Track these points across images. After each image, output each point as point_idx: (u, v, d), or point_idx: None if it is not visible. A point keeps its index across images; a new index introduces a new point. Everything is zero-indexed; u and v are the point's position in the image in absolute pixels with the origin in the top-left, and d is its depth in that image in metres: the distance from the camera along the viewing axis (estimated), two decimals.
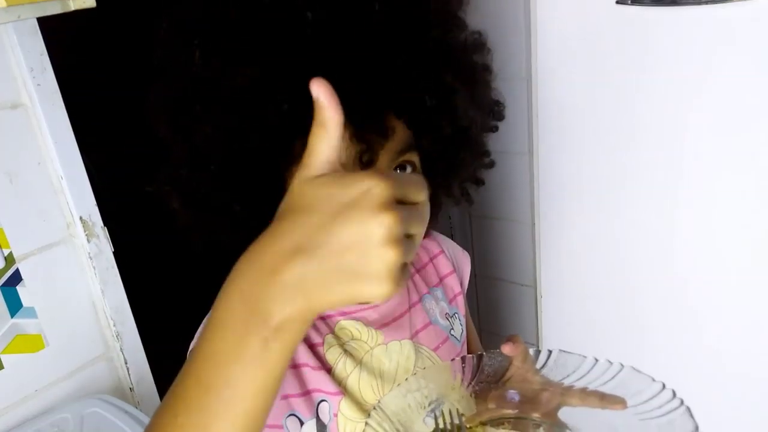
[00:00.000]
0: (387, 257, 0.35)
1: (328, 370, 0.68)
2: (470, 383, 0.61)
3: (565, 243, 1.27)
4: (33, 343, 0.90)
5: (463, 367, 0.60)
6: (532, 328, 1.41)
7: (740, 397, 1.11)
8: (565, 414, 0.60)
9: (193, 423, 0.40)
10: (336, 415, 0.66)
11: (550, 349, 0.61)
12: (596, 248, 1.21)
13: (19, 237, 0.87)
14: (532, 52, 1.16)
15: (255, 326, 0.38)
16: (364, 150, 0.56)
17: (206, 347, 0.42)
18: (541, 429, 0.59)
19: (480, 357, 0.61)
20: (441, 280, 0.79)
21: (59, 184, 0.91)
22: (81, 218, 0.92)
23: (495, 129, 0.70)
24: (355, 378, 0.68)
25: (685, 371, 1.14)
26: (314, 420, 0.67)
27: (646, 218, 1.12)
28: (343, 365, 0.68)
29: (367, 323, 0.70)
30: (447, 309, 0.78)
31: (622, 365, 0.58)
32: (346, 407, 0.67)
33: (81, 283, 0.95)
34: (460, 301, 0.80)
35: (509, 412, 0.60)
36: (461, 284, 0.81)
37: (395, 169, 0.61)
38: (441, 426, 0.56)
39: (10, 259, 0.86)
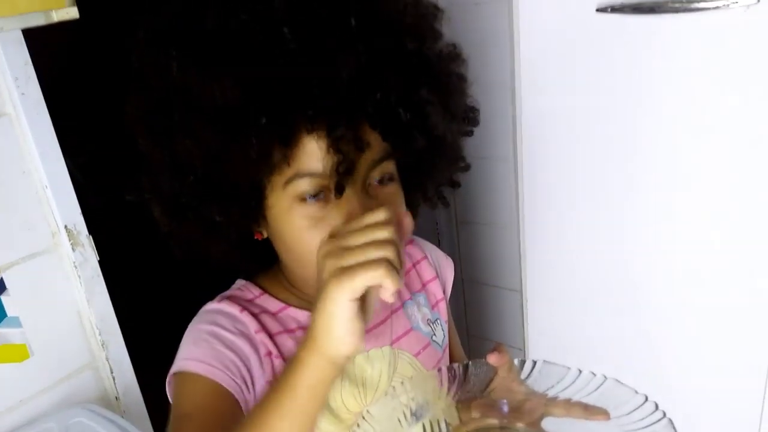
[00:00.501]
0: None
1: None
2: (456, 392, 0.61)
3: (550, 247, 1.28)
4: (18, 353, 0.90)
5: (449, 376, 0.61)
6: (518, 332, 1.42)
7: (725, 406, 1.13)
8: (549, 424, 0.60)
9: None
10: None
11: (535, 359, 0.61)
12: (581, 252, 1.23)
13: (4, 246, 0.87)
14: (515, 60, 1.17)
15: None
16: (340, 161, 0.57)
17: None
18: None
19: (466, 366, 0.61)
20: (424, 285, 0.80)
21: (44, 193, 0.90)
22: (66, 227, 0.92)
23: (470, 134, 0.72)
24: (336, 388, 0.68)
25: (670, 374, 1.16)
26: None
27: (631, 222, 1.13)
28: None
29: None
30: (429, 315, 0.79)
31: (605, 377, 0.59)
32: (324, 421, 0.67)
33: (66, 293, 0.95)
34: (443, 307, 0.81)
35: (494, 421, 0.61)
36: (444, 290, 0.82)
37: (375, 181, 0.62)
38: None
39: None
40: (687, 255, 1.09)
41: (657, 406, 0.55)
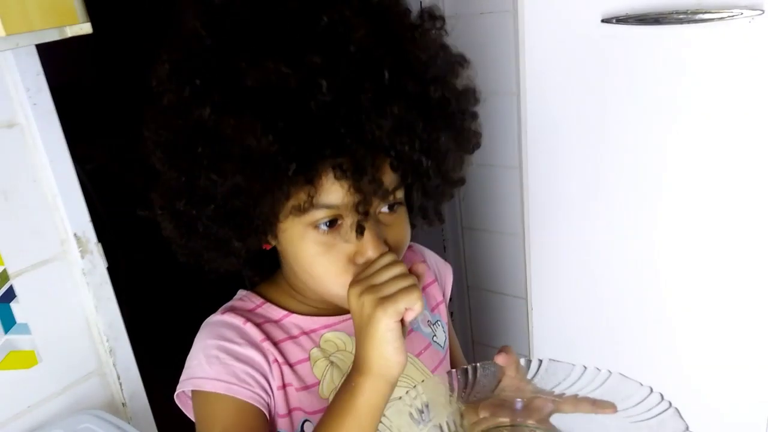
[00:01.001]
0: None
1: (316, 385, 0.69)
2: (467, 394, 0.63)
3: (556, 255, 1.28)
4: (26, 360, 0.91)
5: (459, 379, 0.63)
6: (524, 339, 1.42)
7: (729, 409, 1.13)
8: (560, 420, 0.62)
9: None
10: None
11: (540, 358, 0.64)
12: (587, 260, 1.23)
13: (14, 254, 0.88)
14: (521, 68, 1.18)
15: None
16: (360, 201, 0.59)
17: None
18: None
19: (474, 368, 0.63)
20: (423, 289, 0.79)
21: (54, 201, 0.92)
22: (75, 235, 0.93)
23: (471, 152, 0.74)
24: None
25: (676, 381, 1.15)
26: None
27: (637, 229, 1.13)
28: (330, 377, 0.70)
29: (351, 333, 0.72)
30: (429, 317, 0.80)
31: (610, 372, 0.61)
32: None
33: (75, 299, 0.96)
34: (443, 309, 0.83)
35: (504, 420, 0.63)
36: (443, 294, 0.84)
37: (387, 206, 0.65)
38: None
39: (4, 276, 0.87)
40: (694, 263, 1.09)
41: (662, 397, 0.57)
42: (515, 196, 1.32)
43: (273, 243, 0.69)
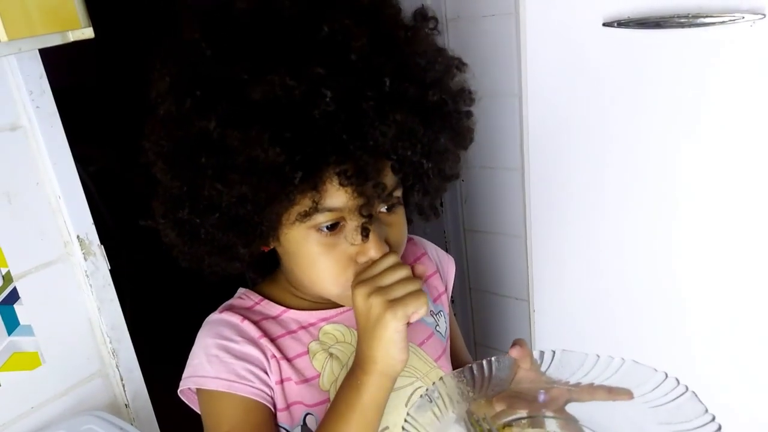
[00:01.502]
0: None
1: (316, 378, 0.71)
2: (484, 388, 0.64)
3: (558, 257, 1.28)
4: (30, 361, 0.91)
5: (476, 373, 0.64)
6: (526, 341, 1.42)
7: (736, 410, 1.12)
8: (578, 409, 0.63)
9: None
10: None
11: (554, 349, 0.65)
12: (589, 262, 1.23)
13: (17, 256, 0.88)
14: (522, 71, 1.18)
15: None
16: (364, 204, 0.61)
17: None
18: (555, 424, 0.62)
19: (490, 363, 0.65)
20: (425, 280, 0.82)
21: (57, 203, 0.92)
22: (78, 237, 0.94)
23: (465, 148, 0.75)
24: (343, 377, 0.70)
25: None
26: (299, 427, 0.71)
27: (639, 231, 1.14)
28: (330, 369, 0.72)
29: (349, 325, 0.74)
30: (432, 307, 0.82)
31: (623, 359, 0.62)
32: None
33: (78, 301, 0.96)
34: (444, 299, 0.85)
35: (521, 412, 0.64)
36: (446, 286, 0.86)
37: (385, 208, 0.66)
38: (473, 430, 0.60)
39: (7, 278, 0.87)
40: (698, 263, 1.09)
41: (678, 381, 0.58)
42: (517, 198, 1.32)
43: (274, 245, 0.70)
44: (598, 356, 0.63)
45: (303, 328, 0.73)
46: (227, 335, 0.70)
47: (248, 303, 0.75)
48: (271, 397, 0.70)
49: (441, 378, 0.64)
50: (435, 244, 0.91)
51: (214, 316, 0.74)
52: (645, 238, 1.13)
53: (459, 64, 0.68)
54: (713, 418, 0.55)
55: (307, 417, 0.71)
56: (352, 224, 0.63)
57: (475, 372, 0.64)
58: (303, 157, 0.57)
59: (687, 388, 0.58)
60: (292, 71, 0.56)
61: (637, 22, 0.97)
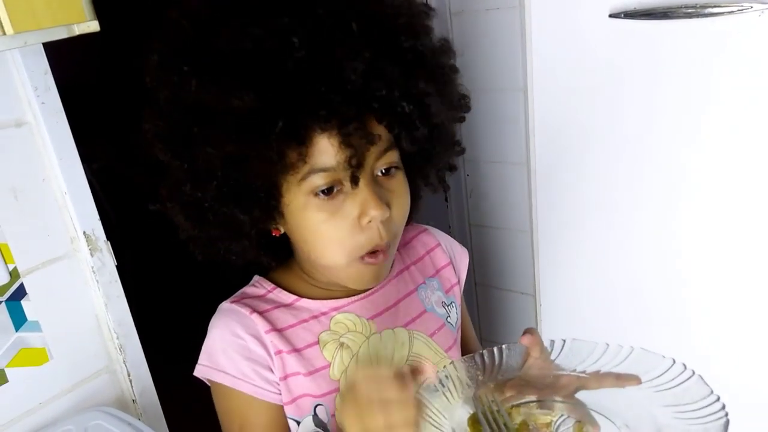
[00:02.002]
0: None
1: (326, 367, 0.71)
2: (494, 374, 0.65)
3: (564, 251, 1.28)
4: (37, 357, 0.91)
5: (486, 359, 0.65)
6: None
7: (740, 405, 1.12)
8: (586, 394, 0.63)
9: None
10: (333, 415, 0.71)
11: (564, 338, 0.66)
12: (595, 256, 1.23)
13: (24, 252, 0.88)
14: (528, 64, 1.17)
15: None
16: (352, 155, 0.62)
17: None
18: (564, 407, 0.63)
19: (500, 349, 0.66)
20: (437, 271, 0.84)
21: (63, 199, 0.92)
22: (84, 233, 0.94)
23: (462, 120, 0.76)
24: (353, 369, 0.72)
25: None
26: (310, 416, 0.72)
27: (645, 226, 1.13)
28: (340, 359, 0.73)
29: (360, 315, 0.75)
30: (444, 298, 0.83)
31: (632, 347, 0.64)
32: (341, 401, 0.70)
33: (85, 297, 0.96)
34: (457, 291, 0.85)
35: (531, 397, 0.64)
36: (459, 277, 0.86)
37: (381, 172, 0.67)
38: (482, 410, 0.60)
39: (15, 274, 0.87)
40: (701, 259, 1.08)
41: (685, 366, 0.59)
42: (523, 192, 1.32)
43: (281, 227, 0.71)
44: (608, 345, 0.64)
45: (314, 317, 0.74)
46: (235, 331, 0.71)
47: (261, 291, 0.76)
48: (280, 392, 0.71)
49: (452, 362, 0.65)
50: None
51: (225, 305, 0.75)
52: (652, 233, 1.13)
53: (427, 9, 0.69)
54: (718, 398, 0.56)
55: (318, 407, 0.72)
56: (349, 185, 0.65)
57: (486, 358, 0.65)
58: (280, 105, 0.59)
59: (693, 372, 0.59)
60: (258, 22, 0.59)
61: (644, 12, 0.96)
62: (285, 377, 0.71)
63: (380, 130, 0.64)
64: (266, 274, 0.79)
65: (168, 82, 0.63)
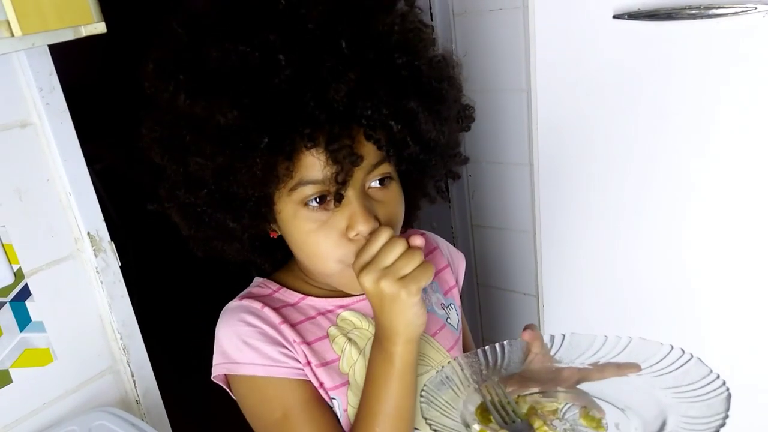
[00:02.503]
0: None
1: (335, 361, 0.73)
2: (497, 369, 0.67)
3: (567, 252, 1.28)
4: (41, 357, 0.92)
5: (489, 355, 0.67)
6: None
7: (747, 409, 1.12)
8: (587, 384, 0.65)
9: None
10: (346, 410, 0.72)
11: (563, 333, 0.68)
12: (598, 257, 1.23)
13: (28, 252, 0.89)
14: (531, 65, 1.17)
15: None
16: (338, 171, 0.62)
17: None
18: (567, 397, 0.64)
19: (502, 346, 0.68)
20: (436, 273, 0.84)
21: (67, 200, 0.92)
22: (89, 233, 0.94)
23: (467, 129, 0.76)
24: (360, 366, 0.73)
25: None
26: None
27: (648, 226, 1.13)
28: (349, 353, 0.74)
29: (365, 313, 0.76)
30: (442, 300, 0.84)
31: (630, 338, 0.65)
32: (353, 396, 0.72)
33: (88, 298, 0.96)
34: (455, 293, 0.87)
35: (534, 389, 0.66)
36: (456, 279, 0.88)
37: (377, 181, 0.67)
38: (490, 399, 0.62)
39: (19, 275, 0.88)
40: (706, 260, 1.08)
41: (684, 351, 0.61)
42: (525, 193, 1.32)
43: (276, 230, 0.72)
44: (606, 336, 0.66)
45: (321, 314, 0.75)
46: (251, 322, 0.71)
47: (267, 291, 0.77)
48: (306, 375, 0.71)
49: (455, 358, 0.67)
50: (442, 238, 0.91)
51: (233, 303, 0.75)
52: (655, 233, 1.12)
53: (423, 26, 0.68)
54: (718, 376, 0.57)
55: (333, 402, 0.72)
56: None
57: (488, 354, 0.67)
58: (266, 122, 0.59)
59: (692, 356, 0.60)
60: (245, 38, 0.59)
61: (647, 13, 0.96)
62: (308, 364, 0.72)
63: (370, 146, 0.64)
64: (267, 276, 0.79)
65: (162, 91, 0.64)
